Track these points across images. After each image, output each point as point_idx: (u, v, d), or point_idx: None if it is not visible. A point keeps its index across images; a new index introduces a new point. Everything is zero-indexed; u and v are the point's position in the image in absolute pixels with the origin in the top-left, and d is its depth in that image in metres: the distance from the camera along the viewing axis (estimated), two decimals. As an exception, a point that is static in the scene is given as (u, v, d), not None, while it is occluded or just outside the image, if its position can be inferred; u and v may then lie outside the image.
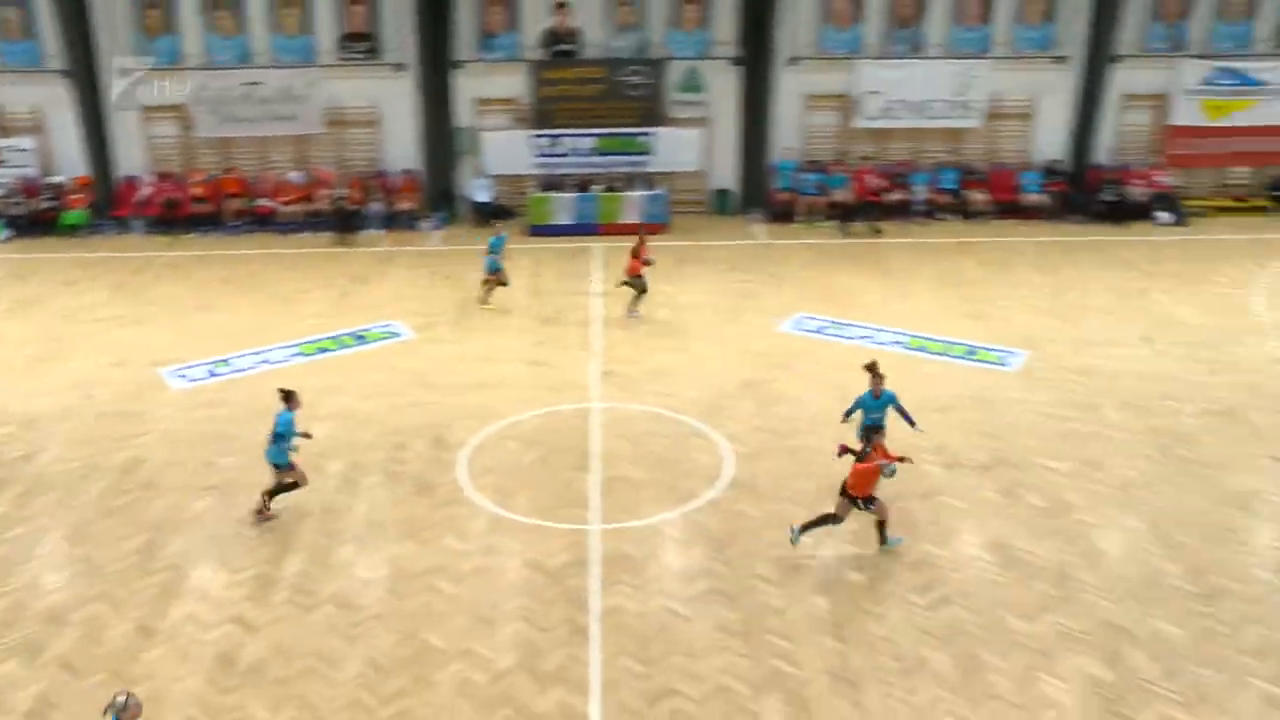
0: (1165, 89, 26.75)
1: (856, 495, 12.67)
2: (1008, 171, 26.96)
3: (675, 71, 26.06)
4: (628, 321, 20.08)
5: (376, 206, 26.00)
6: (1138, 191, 26.59)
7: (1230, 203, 27.60)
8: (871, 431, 13.02)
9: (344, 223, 25.36)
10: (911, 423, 14.14)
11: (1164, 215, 26.49)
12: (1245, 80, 26.59)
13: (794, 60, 26.09)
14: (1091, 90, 26.44)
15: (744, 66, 25.97)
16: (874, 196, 25.90)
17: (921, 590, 12.38)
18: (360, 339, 19.45)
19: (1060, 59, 26.49)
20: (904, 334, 19.46)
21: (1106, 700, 10.72)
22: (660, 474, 14.79)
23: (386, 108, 26.34)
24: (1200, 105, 26.76)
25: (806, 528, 12.88)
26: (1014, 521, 13.71)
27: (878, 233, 25.22)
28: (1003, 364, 18.38)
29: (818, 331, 19.64)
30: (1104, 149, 27.24)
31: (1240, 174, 27.98)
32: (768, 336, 19.48)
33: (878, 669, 11.14)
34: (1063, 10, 26.22)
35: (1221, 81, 26.57)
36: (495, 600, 12.18)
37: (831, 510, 12.88)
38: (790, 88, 26.33)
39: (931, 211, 26.26)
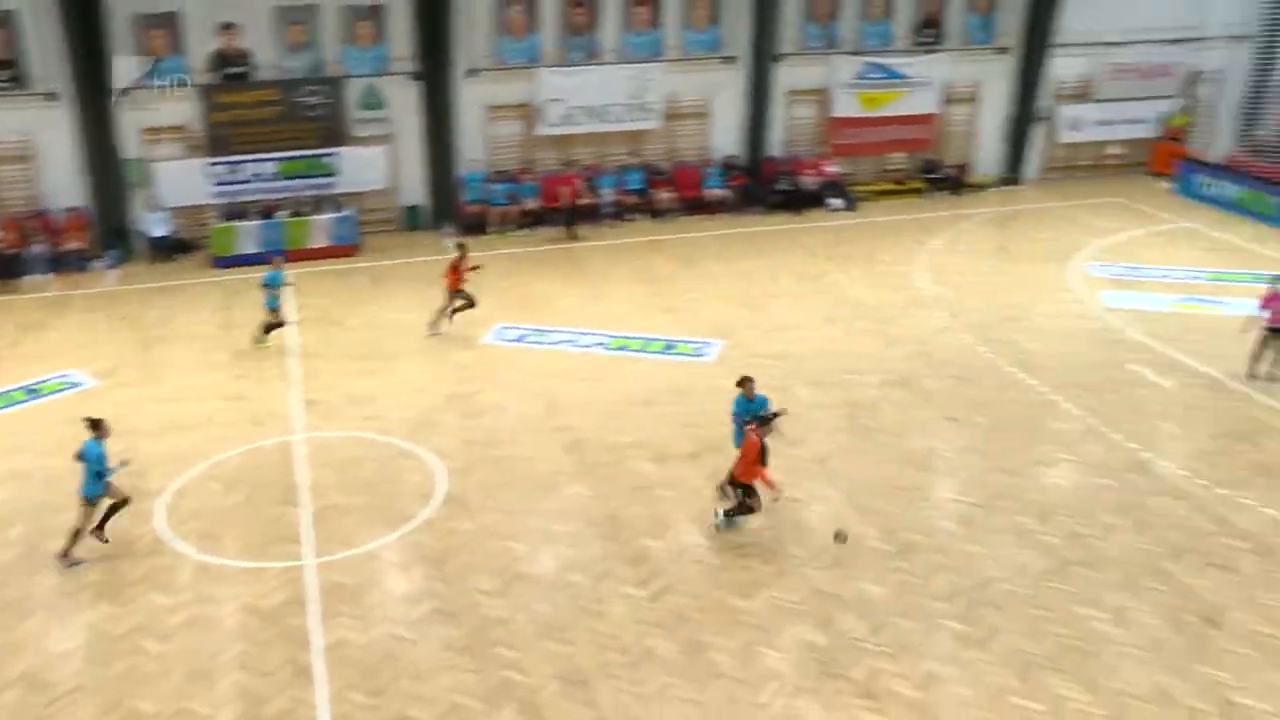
0: (825, 84, 28.57)
1: (739, 481, 13.05)
2: (690, 169, 28.01)
3: (354, 89, 25.51)
4: (325, 348, 19.46)
5: (39, 248, 24.01)
6: (810, 181, 28.24)
7: (891, 186, 29.77)
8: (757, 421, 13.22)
9: (2, 268, 23.31)
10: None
11: (835, 201, 28.26)
12: (891, 74, 28.81)
13: (473, 72, 26.10)
14: (759, 88, 27.91)
15: (424, 80, 25.74)
16: (580, 201, 26.32)
17: (642, 583, 12.67)
18: (33, 393, 17.93)
19: (729, 59, 27.76)
20: (605, 335, 19.85)
21: (821, 663, 11.35)
22: (372, 499, 14.46)
23: (41, 141, 24.36)
24: (856, 98, 28.75)
25: (731, 515, 13.44)
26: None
27: (575, 237, 25.64)
28: (700, 355, 19.07)
29: (519, 340, 19.74)
30: (776, 142, 28.78)
31: (897, 159, 30.24)
32: (470, 349, 19.40)
33: (606, 665, 11.32)
34: (726, 14, 27.49)
35: (872, 75, 28.66)
36: (211, 651, 11.55)
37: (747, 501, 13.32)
38: (471, 99, 26.32)
39: (620, 213, 26.91)
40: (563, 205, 26.08)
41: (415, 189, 26.55)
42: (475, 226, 26.10)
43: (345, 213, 25.15)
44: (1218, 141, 31.82)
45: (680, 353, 19.18)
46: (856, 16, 28.54)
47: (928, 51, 29.15)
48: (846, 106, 28.76)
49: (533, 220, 26.31)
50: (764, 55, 27.61)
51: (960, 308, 21.42)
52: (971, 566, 13.01)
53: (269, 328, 19.40)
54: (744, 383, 14.13)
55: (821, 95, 28.76)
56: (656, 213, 27.22)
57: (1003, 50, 29.95)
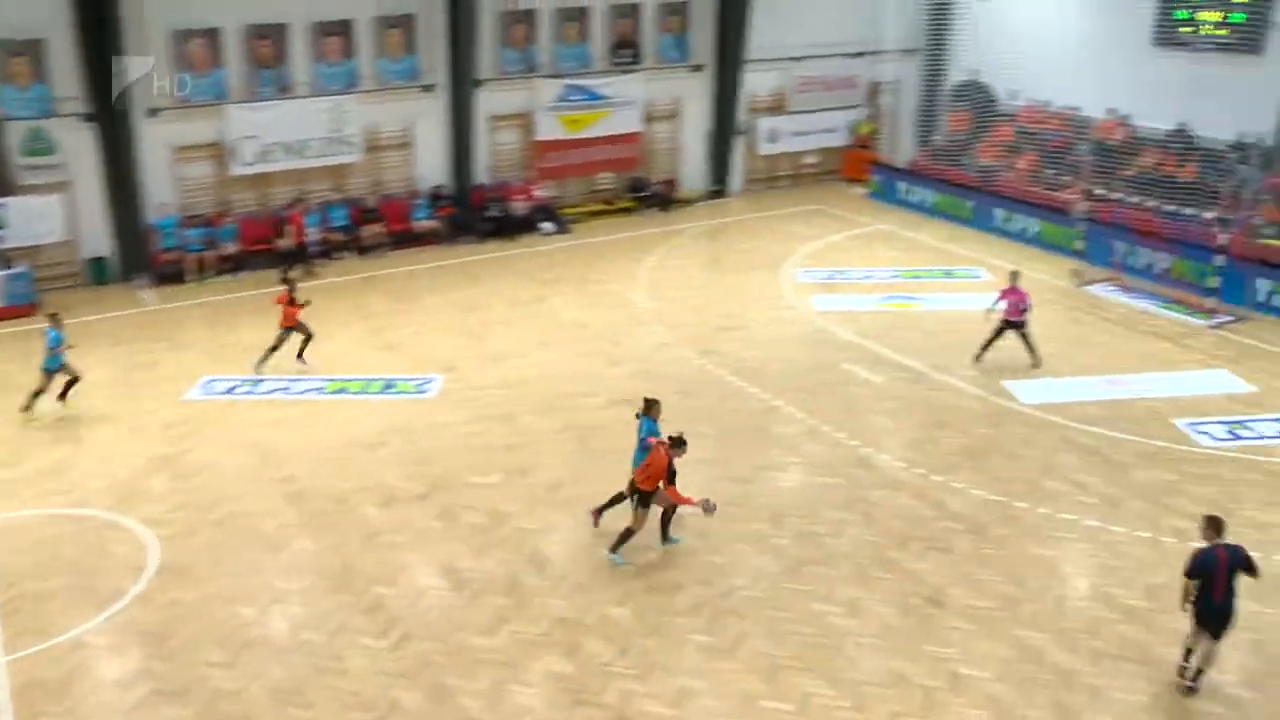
0: (527, 107, 28.78)
1: (640, 489, 13.26)
2: (397, 201, 27.56)
3: (17, 134, 23.62)
4: (5, 418, 17.86)
5: None
6: (520, 206, 28.36)
7: (602, 206, 30.32)
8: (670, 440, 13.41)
9: None
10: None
11: (547, 225, 28.51)
12: (592, 95, 29.36)
13: (154, 111, 24.71)
14: (461, 115, 27.80)
15: (98, 122, 24.14)
16: (305, 241, 25.38)
17: (380, 633, 12.28)
18: None
19: (428, 87, 27.52)
20: (321, 379, 19.19)
21: (572, 692, 11.32)
22: (74, 580, 13.35)
23: None
24: (559, 120, 29.12)
25: (617, 545, 13.51)
26: (458, 543, 14.04)
27: (314, 274, 24.82)
28: (422, 391, 18.75)
29: (229, 392, 18.78)
30: (483, 169, 28.75)
31: (605, 179, 30.81)
32: (174, 406, 18.28)
33: (349, 726, 10.88)
34: (422, 42, 27.24)
35: (573, 98, 29.12)
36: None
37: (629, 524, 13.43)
38: (156, 140, 24.90)
39: (328, 251, 26.13)
40: (286, 246, 25.08)
41: (99, 239, 24.85)
42: (172, 276, 24.68)
43: (17, 269, 23.23)
44: (902, 147, 34.22)
45: (401, 391, 18.79)
46: (553, 40, 28.95)
47: (625, 72, 29.91)
48: (550, 129, 29.09)
49: (233, 265, 25.17)
50: (463, 82, 27.56)
51: (678, 322, 22.02)
52: (712, 577, 13.32)
53: (41, 393, 17.72)
54: (651, 406, 13.96)
55: (524, 119, 28.97)
56: (365, 249, 26.62)
57: (698, 68, 31.12)
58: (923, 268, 25.68)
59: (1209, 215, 22.94)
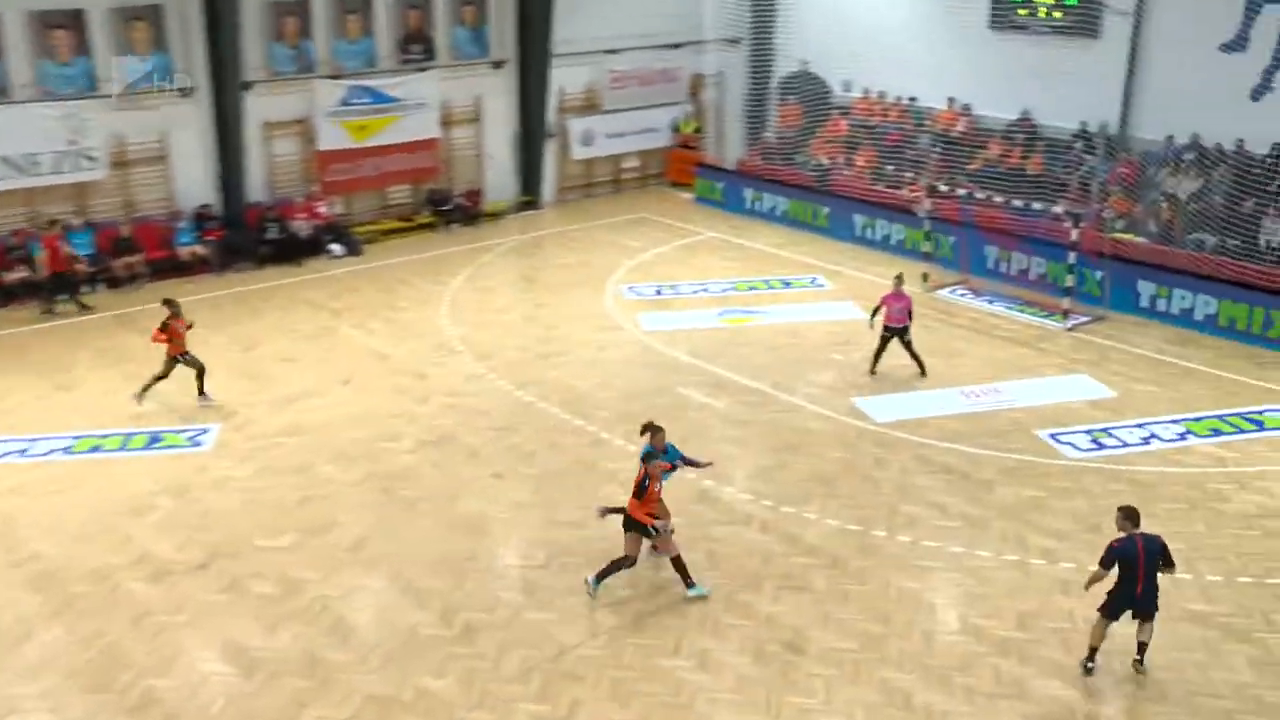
0: (306, 113, 28.18)
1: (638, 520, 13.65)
2: (155, 225, 26.56)
3: None
4: None
5: None
6: (303, 226, 27.73)
7: (398, 224, 29.92)
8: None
9: None
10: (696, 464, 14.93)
11: (336, 247, 27.95)
12: (381, 98, 28.94)
13: None
14: (226, 122, 26.91)
15: None
16: (72, 268, 24.17)
17: (154, 733, 11.70)
18: None
19: (185, 91, 26.61)
20: (68, 438, 18.26)
21: (387, 783, 10.97)
22: None
23: None
24: (344, 127, 28.60)
25: (602, 576, 13.78)
26: (246, 619, 13.51)
27: (85, 307, 23.88)
28: (195, 444, 18.07)
29: (-53, 459, 17.68)
30: (258, 185, 27.96)
31: (400, 193, 30.45)
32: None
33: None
34: (174, 39, 26.30)
35: (359, 101, 28.63)
36: None
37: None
38: None
39: (75, 284, 24.92)
40: (41, 275, 23.85)
41: None
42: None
43: None
44: (730, 146, 34.87)
45: (170, 445, 18.06)
46: (331, 34, 28.43)
47: (417, 70, 29.65)
48: (334, 138, 28.52)
49: (50, 289, 23.87)
50: (227, 84, 26.70)
51: (492, 350, 21.85)
52: (543, 637, 13.16)
53: None
54: (655, 431, 14.14)
55: (304, 126, 28.36)
56: (116, 281, 25.54)
57: (499, 64, 31.11)
58: (759, 277, 26.16)
59: (1058, 209, 24.03)
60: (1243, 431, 18.53)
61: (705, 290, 25.33)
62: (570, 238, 29.75)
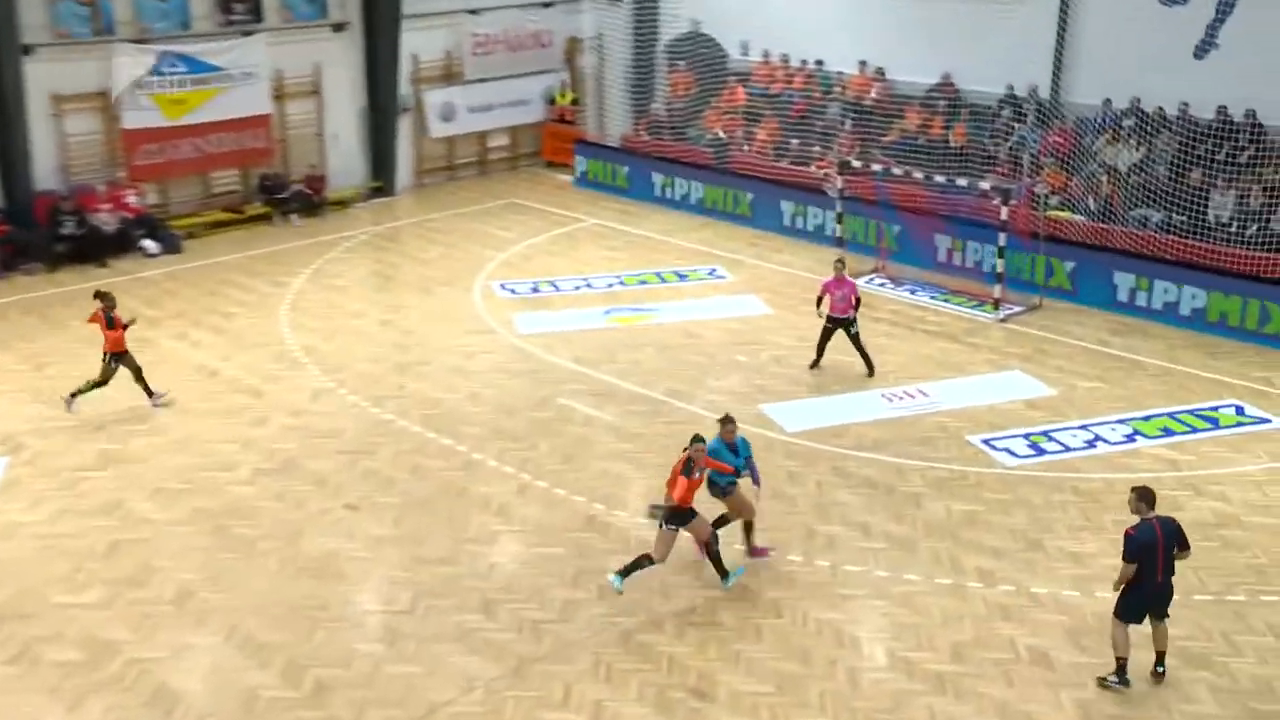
0: (106, 84, 27.54)
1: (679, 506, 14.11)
2: (-82, 221, 25.84)
3: None
4: None
5: None
6: (108, 219, 27.16)
7: (226, 215, 29.47)
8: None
9: None
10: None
11: (150, 244, 27.43)
12: (200, 66, 28.47)
13: None
14: (3, 96, 26.04)
15: None
16: None
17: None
18: None
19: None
20: None
21: None
22: None
23: None
24: (155, 101, 28.04)
25: (627, 571, 14.19)
26: (42, 694, 13.03)
27: None
28: (-21, 483, 17.57)
29: None
30: (47, 170, 27.24)
31: (227, 179, 29.97)
32: None
33: None
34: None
35: (172, 70, 28.09)
36: None
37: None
38: None
39: None
40: None
41: None
42: None
43: None
44: (612, 120, 34.86)
45: (-52, 484, 17.52)
46: (133, -8, 27.82)
47: (243, 33, 29.20)
48: (143, 114, 27.98)
49: None
50: (1, 48, 25.79)
51: (342, 362, 21.60)
52: (408, 694, 12.97)
53: None
54: (726, 423, 14.79)
55: (105, 100, 27.73)
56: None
57: (340, 27, 30.86)
58: (650, 269, 26.20)
59: (985, 185, 24.37)
60: (1196, 431, 18.99)
61: (589, 286, 25.31)
62: (431, 228, 29.54)
